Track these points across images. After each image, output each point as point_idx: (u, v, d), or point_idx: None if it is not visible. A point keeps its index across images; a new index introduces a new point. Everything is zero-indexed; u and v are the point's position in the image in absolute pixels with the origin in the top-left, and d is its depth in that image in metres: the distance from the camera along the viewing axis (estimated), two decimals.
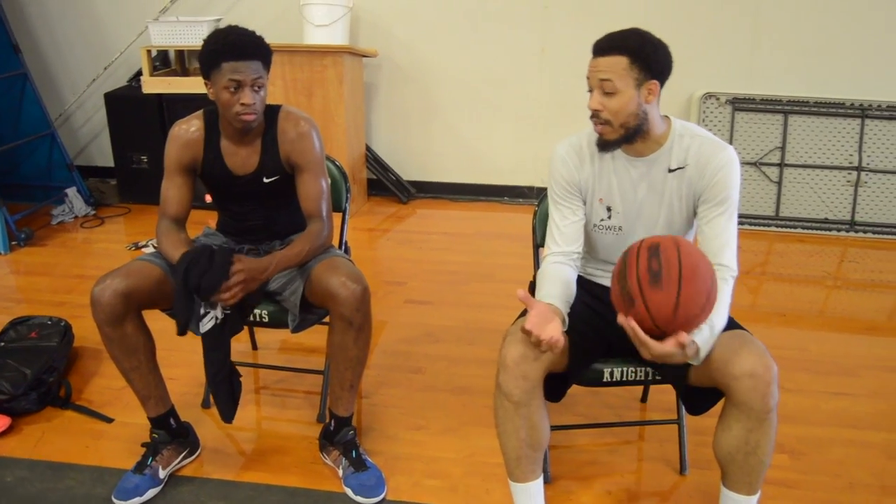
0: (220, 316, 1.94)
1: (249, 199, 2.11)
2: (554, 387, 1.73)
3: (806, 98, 3.99)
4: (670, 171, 1.74)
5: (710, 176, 1.69)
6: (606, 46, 1.67)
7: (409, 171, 4.58)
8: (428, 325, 2.97)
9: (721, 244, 1.69)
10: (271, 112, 2.05)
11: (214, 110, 2.03)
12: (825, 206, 4.05)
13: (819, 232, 4.04)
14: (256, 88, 1.91)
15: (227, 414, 2.04)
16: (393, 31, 4.30)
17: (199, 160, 2.04)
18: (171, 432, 2.06)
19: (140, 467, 2.00)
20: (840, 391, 2.55)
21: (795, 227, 4.06)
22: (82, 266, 3.57)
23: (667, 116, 1.76)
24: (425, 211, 4.42)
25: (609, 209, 1.81)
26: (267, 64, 1.94)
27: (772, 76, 4.06)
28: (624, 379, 1.85)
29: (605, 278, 1.90)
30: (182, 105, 4.04)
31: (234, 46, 1.86)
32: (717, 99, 4.06)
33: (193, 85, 4.07)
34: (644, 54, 1.64)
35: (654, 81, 1.66)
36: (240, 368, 2.56)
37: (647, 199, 1.78)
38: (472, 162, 4.53)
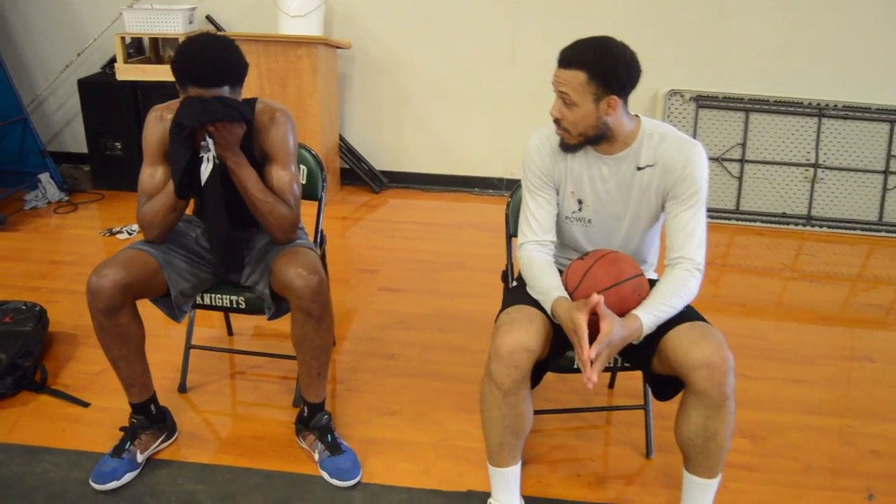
0: (214, 156, 1.93)
1: (224, 187, 2.12)
2: (533, 373, 1.80)
3: (766, 97, 4.12)
4: (639, 168, 1.81)
5: (679, 172, 1.77)
6: (567, 59, 1.71)
7: (381, 161, 4.62)
8: (401, 312, 3.02)
9: (686, 236, 1.77)
10: (248, 105, 2.06)
11: None
12: (783, 200, 4.18)
13: (777, 226, 4.17)
14: None
15: (229, 265, 2.09)
16: (366, 24, 4.33)
17: None
18: (151, 417, 2.09)
19: (118, 451, 2.03)
20: (797, 378, 2.66)
21: (755, 221, 4.19)
22: (56, 252, 3.55)
23: (637, 116, 1.83)
24: (397, 201, 4.47)
25: (580, 202, 1.89)
26: (239, 80, 1.90)
27: (734, 75, 4.18)
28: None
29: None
30: (157, 92, 4.04)
31: (199, 75, 1.79)
32: (682, 96, 4.16)
33: (168, 73, 4.00)
34: (603, 70, 1.67)
35: (614, 97, 1.70)
36: (216, 354, 2.65)
37: (615, 194, 1.86)
38: (444, 153, 4.59)
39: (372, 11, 4.31)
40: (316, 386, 2.07)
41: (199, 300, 2.15)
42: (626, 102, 1.75)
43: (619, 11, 4.13)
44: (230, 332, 2.80)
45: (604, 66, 1.67)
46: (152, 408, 2.09)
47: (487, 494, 1.98)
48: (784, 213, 4.18)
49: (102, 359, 2.37)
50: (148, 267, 1.96)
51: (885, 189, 4.11)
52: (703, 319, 1.76)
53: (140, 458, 2.05)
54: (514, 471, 1.84)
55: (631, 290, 1.73)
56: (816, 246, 3.99)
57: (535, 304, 1.83)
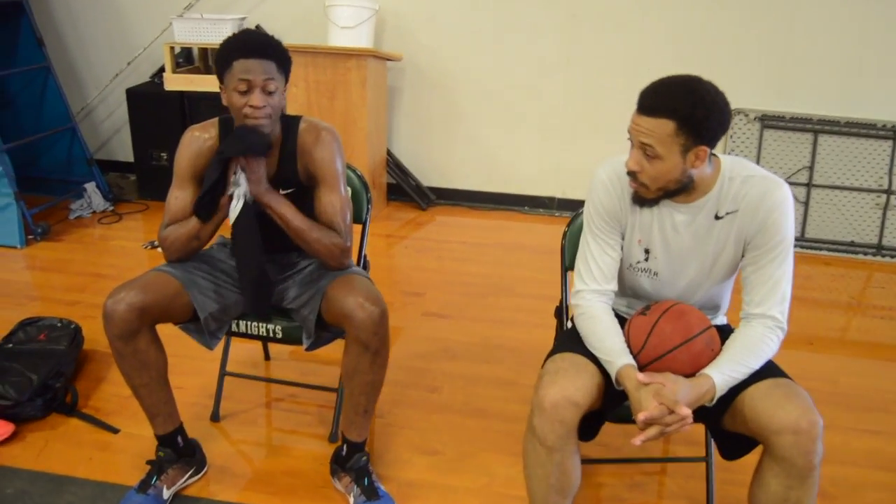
0: (245, 193, 1.87)
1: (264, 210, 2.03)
2: (587, 425, 1.64)
3: (837, 118, 3.87)
4: (717, 217, 1.63)
5: (763, 218, 1.58)
6: (652, 106, 1.49)
7: (429, 177, 4.50)
8: (446, 339, 2.89)
9: (768, 291, 1.60)
10: (292, 123, 1.96)
11: (230, 119, 1.95)
12: (852, 228, 3.93)
13: (845, 255, 3.92)
14: (268, 92, 1.80)
15: (257, 308, 1.99)
16: (418, 36, 4.22)
17: None
18: (178, 451, 1.99)
19: (143, 486, 1.93)
20: (872, 428, 2.44)
21: (821, 249, 3.95)
22: (97, 264, 3.52)
23: (715, 156, 1.63)
24: (444, 218, 4.34)
25: (647, 251, 1.70)
26: (283, 67, 1.84)
27: (802, 94, 3.94)
28: None
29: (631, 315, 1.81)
30: (204, 103, 3.99)
31: (245, 44, 1.78)
32: (746, 115, 3.95)
33: (216, 83, 3.96)
34: (695, 121, 1.47)
35: (704, 147, 1.51)
36: (251, 382, 2.54)
37: (689, 247, 1.67)
38: (493, 170, 4.45)
39: (424, 24, 4.20)
40: (360, 424, 1.94)
41: (233, 327, 2.05)
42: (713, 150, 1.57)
43: (680, 25, 3.94)
44: (267, 357, 2.70)
45: (697, 115, 1.47)
46: (179, 440, 1.99)
47: None
48: (853, 242, 3.92)
49: None
50: (168, 289, 1.86)
51: None
52: (784, 375, 1.58)
53: (166, 493, 1.95)
54: None
55: (703, 345, 1.57)
56: (887, 277, 3.73)
57: (586, 351, 1.67)
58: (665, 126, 1.48)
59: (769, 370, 1.58)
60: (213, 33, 3.96)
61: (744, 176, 1.60)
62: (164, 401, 1.93)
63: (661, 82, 1.51)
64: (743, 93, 3.96)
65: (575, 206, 4.35)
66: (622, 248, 1.73)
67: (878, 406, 2.58)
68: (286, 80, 1.88)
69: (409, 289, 3.35)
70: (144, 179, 4.30)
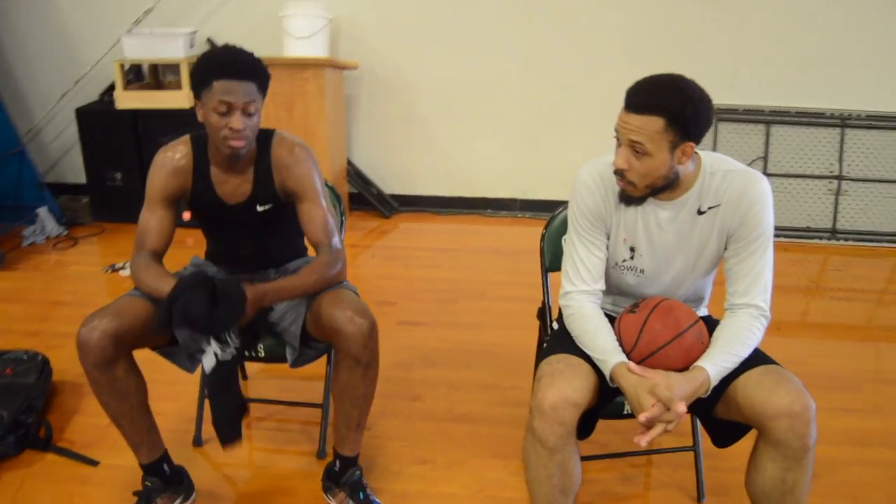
0: (218, 352, 1.78)
1: (242, 227, 1.99)
2: (582, 423, 1.65)
3: (788, 108, 4.00)
4: (700, 212, 1.66)
5: (745, 211, 1.61)
6: (641, 104, 1.51)
7: (390, 184, 4.49)
8: (422, 347, 2.88)
9: (751, 282, 1.63)
10: (264, 137, 1.93)
11: (202, 135, 1.91)
12: (807, 214, 4.06)
13: (802, 240, 4.04)
14: (248, 113, 1.77)
15: (229, 437, 1.89)
16: (373, 43, 4.20)
17: (187, 189, 1.91)
18: (165, 479, 1.93)
19: None
20: (846, 407, 2.52)
21: (778, 236, 4.06)
22: (57, 291, 3.41)
23: (696, 153, 1.66)
24: (408, 225, 4.33)
25: (633, 250, 1.73)
26: (263, 88, 1.81)
27: (754, 87, 4.05)
28: None
29: (619, 312, 1.82)
30: (158, 120, 3.90)
31: (227, 64, 1.74)
32: None
33: (169, 99, 3.93)
34: (684, 118, 1.50)
35: (690, 144, 1.54)
36: None
37: (673, 243, 1.70)
38: (454, 174, 4.45)
39: (379, 30, 4.18)
40: (353, 439, 1.92)
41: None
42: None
43: (633, 24, 4.01)
44: (244, 377, 2.65)
45: (685, 112, 1.49)
46: (166, 467, 1.94)
47: None
48: (808, 227, 4.05)
49: None
50: (143, 313, 1.80)
51: None
52: (772, 361, 1.62)
53: None
54: None
55: (694, 339, 1.60)
56: (843, 260, 3.86)
57: (579, 351, 1.68)
58: (654, 123, 1.50)
59: (758, 358, 1.62)
60: (165, 48, 3.87)
61: (724, 171, 1.63)
62: (147, 429, 1.87)
63: (648, 80, 1.53)
64: None
65: (537, 207, 4.40)
66: (607, 248, 1.74)
67: (847, 385, 2.66)
68: (264, 98, 1.85)
69: (380, 298, 3.32)
70: (98, 201, 4.18)
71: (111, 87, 4.09)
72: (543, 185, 4.40)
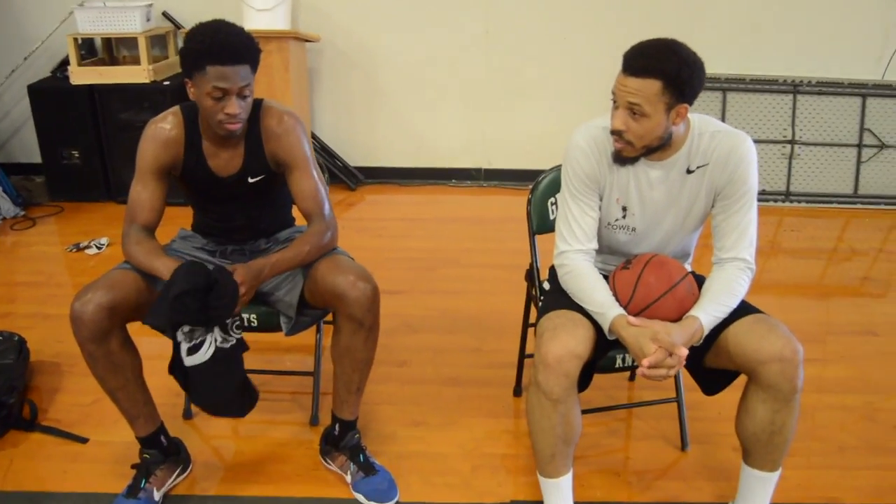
0: (217, 339, 1.75)
1: (233, 199, 1.98)
2: (581, 376, 1.71)
3: (742, 76, 4.12)
4: (689, 171, 1.72)
5: (732, 170, 1.68)
6: (640, 67, 1.55)
7: (355, 157, 4.47)
8: (403, 315, 2.90)
9: (737, 236, 1.71)
10: (252, 108, 1.91)
11: (192, 106, 1.88)
12: (763, 178, 4.20)
13: (758, 203, 4.17)
14: (243, 96, 1.75)
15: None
16: (334, 15, 4.16)
17: (179, 162, 1.88)
18: (164, 450, 1.93)
19: (133, 491, 1.87)
20: (811, 358, 2.60)
21: None
22: (20, 272, 3.31)
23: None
24: (375, 197, 4.33)
25: (625, 209, 1.78)
26: (255, 67, 1.77)
27: (710, 55, 4.10)
28: (635, 364, 1.85)
29: (610, 270, 1.88)
30: (117, 96, 3.80)
31: (222, 49, 1.68)
32: None
33: (127, 75, 3.82)
34: (680, 80, 1.54)
35: (685, 105, 1.60)
36: None
37: (664, 201, 1.76)
38: (419, 145, 4.46)
39: (339, 2, 4.14)
40: (352, 402, 1.95)
41: None
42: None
43: None
44: (245, 348, 2.62)
45: (682, 74, 1.54)
46: (163, 439, 1.93)
47: (533, 503, 1.90)
48: (764, 191, 4.19)
49: (94, 388, 2.19)
50: (135, 286, 1.79)
51: (859, 162, 4.16)
52: (759, 311, 1.70)
53: (157, 495, 1.89)
54: (567, 480, 1.76)
55: (686, 291, 1.67)
56: (797, 221, 4.02)
57: (577, 306, 1.74)
58: (652, 86, 1.55)
59: (745, 308, 1.70)
60: (121, 22, 3.76)
61: (711, 131, 1.70)
62: (144, 401, 1.86)
63: (645, 44, 1.58)
64: None
65: (500, 177, 4.46)
66: (600, 209, 1.80)
67: (810, 338, 2.80)
68: (256, 72, 1.81)
69: None
70: (55, 180, 4.05)
71: (64, 63, 3.96)
72: (507, 154, 4.44)
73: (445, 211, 4.13)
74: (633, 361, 1.83)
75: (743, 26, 4.10)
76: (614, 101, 1.63)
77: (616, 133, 1.64)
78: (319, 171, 1.98)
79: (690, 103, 1.61)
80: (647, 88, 1.55)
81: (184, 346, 1.70)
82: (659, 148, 1.67)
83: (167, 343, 1.93)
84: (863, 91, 4.09)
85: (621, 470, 2.08)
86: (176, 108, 1.89)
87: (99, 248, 3.44)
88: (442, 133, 4.43)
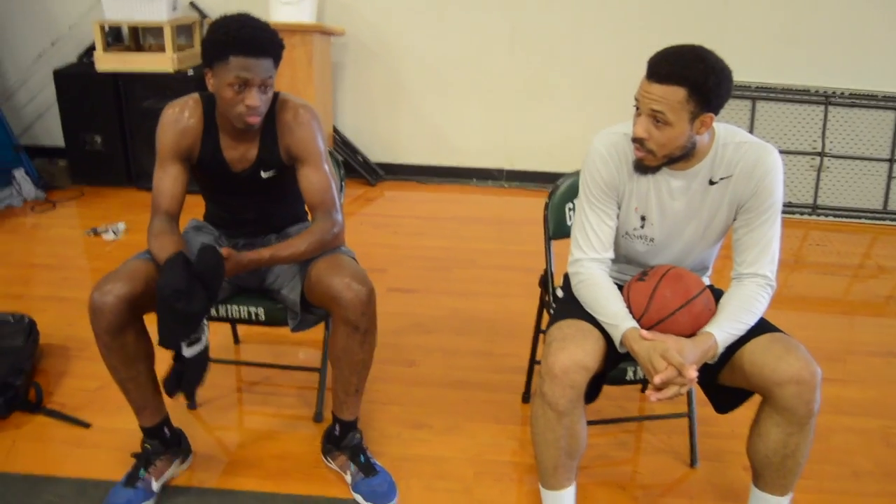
0: (204, 337, 1.73)
1: (245, 193, 1.96)
2: (589, 387, 1.66)
3: (773, 85, 4.03)
4: (712, 182, 1.66)
5: (756, 183, 1.62)
6: (665, 73, 1.50)
7: (375, 152, 4.45)
8: (416, 314, 2.87)
9: (759, 251, 1.66)
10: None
11: (211, 97, 1.85)
12: (790, 190, 4.11)
13: (784, 215, 4.07)
14: (264, 89, 1.73)
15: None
16: (360, 9, 4.14)
17: (195, 151, 1.86)
18: (165, 442, 1.91)
19: (131, 480, 1.85)
20: (830, 377, 2.54)
21: None
22: (37, 254, 3.33)
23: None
24: (394, 193, 4.31)
25: (643, 218, 1.73)
26: (278, 62, 1.76)
27: (740, 63, 4.02)
28: (646, 378, 1.81)
29: (626, 280, 1.84)
30: (141, 84, 3.82)
31: (246, 41, 1.67)
32: None
33: (151, 62, 3.83)
34: (706, 88, 1.48)
35: (710, 115, 1.54)
36: (223, 365, 2.47)
37: (684, 212, 1.71)
38: (440, 143, 4.43)
39: None
40: (352, 403, 1.92)
41: (214, 312, 1.98)
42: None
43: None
44: (237, 341, 2.62)
45: (708, 82, 1.48)
46: (166, 431, 1.92)
47: None
48: (790, 203, 4.11)
49: (100, 374, 2.18)
50: (154, 277, 1.77)
51: (889, 177, 4.06)
52: (778, 329, 1.64)
53: (155, 486, 1.87)
54: (570, 493, 1.72)
55: (702, 306, 1.62)
56: (823, 235, 3.93)
57: (588, 316, 1.69)
58: (677, 93, 1.49)
59: (763, 326, 1.64)
60: (147, 10, 3.77)
61: (736, 142, 1.64)
62: (153, 392, 1.85)
63: (670, 51, 1.53)
64: None
65: (522, 178, 4.41)
66: (618, 217, 1.75)
67: (830, 356, 2.72)
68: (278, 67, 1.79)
69: (370, 265, 3.25)
70: (77, 165, 4.08)
71: (90, 49, 3.98)
72: (529, 155, 4.40)
73: (464, 210, 4.09)
74: (644, 375, 1.78)
75: (774, 34, 4.01)
76: (637, 108, 1.58)
77: (637, 141, 1.59)
78: (333, 167, 1.95)
79: (716, 113, 1.55)
80: (672, 96, 1.50)
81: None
82: (682, 157, 1.61)
83: None
84: None
85: (627, 483, 2.03)
86: (196, 96, 1.87)
87: (116, 234, 3.45)
88: (464, 132, 4.39)
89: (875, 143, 4.03)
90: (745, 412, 1.73)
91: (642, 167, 1.64)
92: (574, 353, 1.55)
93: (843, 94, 4.00)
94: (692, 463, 2.10)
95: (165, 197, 1.84)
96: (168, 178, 1.84)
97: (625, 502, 1.97)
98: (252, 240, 2.04)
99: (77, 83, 3.91)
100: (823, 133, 4.05)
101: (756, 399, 1.67)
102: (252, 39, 1.68)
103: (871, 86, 4.00)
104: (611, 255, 1.75)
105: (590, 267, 1.71)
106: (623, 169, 1.70)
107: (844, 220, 4.09)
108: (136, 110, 3.88)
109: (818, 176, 4.08)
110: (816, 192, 4.09)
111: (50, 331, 2.57)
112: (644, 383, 2.41)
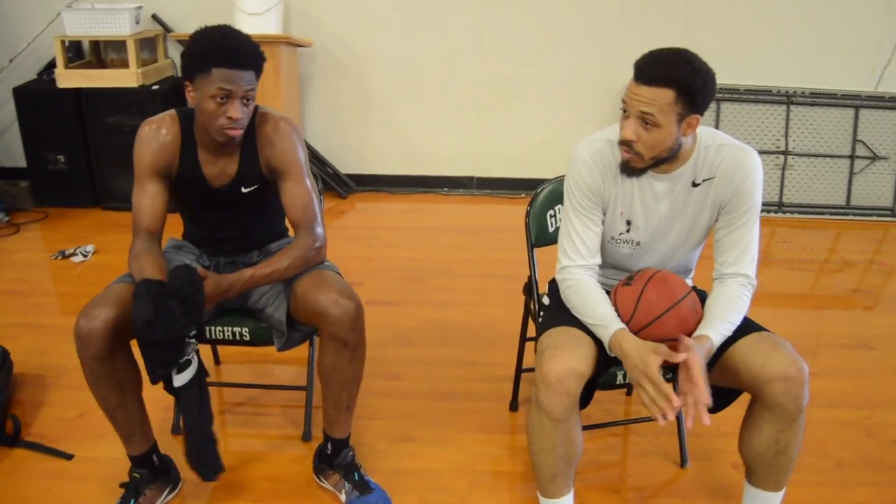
0: (194, 356, 1.71)
1: (225, 209, 1.93)
2: (582, 393, 1.67)
3: (737, 86, 4.11)
4: (695, 185, 1.70)
5: (738, 184, 1.66)
6: (654, 76, 1.53)
7: (345, 164, 4.42)
8: (396, 327, 2.86)
9: (741, 251, 1.69)
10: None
11: (189, 112, 1.83)
12: None
13: None
14: (246, 101, 1.71)
15: (213, 471, 1.83)
16: (327, 20, 4.12)
17: (173, 168, 1.83)
18: (154, 470, 1.87)
19: None
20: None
21: None
22: (3, 280, 3.24)
23: None
24: (366, 205, 4.29)
25: (629, 223, 1.75)
26: (259, 75, 1.75)
27: None
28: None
29: (611, 285, 1.85)
30: (105, 100, 3.74)
31: (229, 52, 1.65)
32: None
33: (115, 78, 3.76)
34: (693, 90, 1.52)
35: (696, 116, 1.57)
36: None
37: (668, 214, 1.74)
38: (410, 153, 4.43)
39: (332, 7, 4.10)
40: (343, 420, 1.90)
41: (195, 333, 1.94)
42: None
43: (587, 3, 4.04)
44: (217, 362, 2.58)
45: (695, 84, 1.51)
46: (155, 458, 1.88)
47: None
48: None
49: (79, 402, 2.14)
50: None
51: (851, 173, 4.17)
52: (763, 328, 1.68)
53: None
54: (568, 500, 1.73)
55: (689, 309, 1.64)
56: (790, 232, 4.02)
57: (578, 322, 1.70)
58: (665, 95, 1.52)
59: (749, 325, 1.67)
60: (109, 24, 3.70)
61: (718, 144, 1.67)
62: (141, 420, 1.81)
63: (657, 53, 1.56)
64: None
65: (493, 185, 4.43)
66: (603, 223, 1.76)
67: (805, 350, 2.67)
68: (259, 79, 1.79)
69: (348, 279, 3.27)
70: (40, 186, 3.98)
71: (50, 65, 3.89)
72: (499, 163, 4.42)
73: (437, 220, 4.09)
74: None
75: (737, 36, 4.10)
76: (624, 111, 1.60)
77: (626, 143, 1.61)
78: (314, 181, 1.93)
79: (701, 114, 1.58)
80: (661, 98, 1.52)
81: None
82: (667, 160, 1.64)
83: None
84: (856, 102, 4.10)
85: (620, 487, 2.05)
86: (172, 112, 1.84)
87: (85, 256, 3.38)
88: (434, 141, 4.39)
89: (836, 141, 4.14)
90: (729, 411, 1.75)
91: (629, 169, 1.66)
92: (567, 360, 1.56)
93: (804, 93, 4.10)
94: (682, 463, 2.13)
95: (145, 215, 1.80)
96: (147, 196, 1.80)
97: None
98: (234, 258, 2.01)
99: (38, 101, 3.82)
100: (786, 132, 4.14)
101: (743, 398, 1.70)
102: (235, 51, 1.67)
103: (830, 84, 4.11)
104: (598, 260, 1.77)
105: (578, 273, 1.73)
106: (607, 175, 1.72)
107: (810, 216, 4.18)
108: (100, 127, 3.80)
109: (783, 174, 4.17)
110: (782, 190, 4.18)
111: (23, 359, 2.49)
112: (618, 388, 2.43)
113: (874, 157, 4.15)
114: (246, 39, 1.71)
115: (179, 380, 1.65)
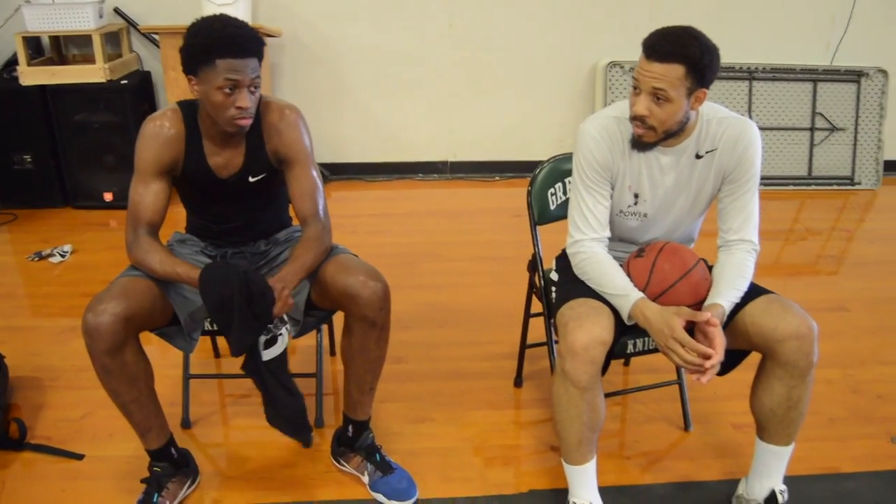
0: (285, 332, 1.77)
1: (232, 200, 1.92)
2: None
3: None
4: (698, 156, 1.76)
5: (739, 154, 1.73)
6: (665, 52, 1.58)
7: (319, 153, 4.36)
8: (394, 311, 2.79)
9: (744, 219, 1.77)
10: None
11: (192, 105, 1.81)
12: None
13: None
14: (253, 89, 1.70)
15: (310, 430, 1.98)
16: (296, 9, 4.08)
17: (179, 162, 1.81)
18: (175, 463, 1.87)
19: None
20: None
21: None
22: None
23: None
24: (343, 193, 4.28)
25: (636, 196, 1.81)
26: (261, 60, 1.73)
27: None
28: (647, 349, 1.88)
29: (622, 259, 1.90)
30: (71, 97, 3.64)
31: (232, 42, 1.63)
32: (621, 67, 4.19)
33: (81, 74, 3.66)
34: (702, 65, 1.58)
35: (704, 90, 1.63)
36: (208, 382, 2.42)
37: (674, 186, 1.80)
38: (385, 140, 4.43)
39: None
40: (366, 402, 1.92)
41: (207, 325, 1.94)
42: None
43: None
44: (217, 355, 2.57)
45: (703, 59, 1.57)
46: (173, 451, 1.87)
47: (551, 492, 1.93)
48: None
49: (82, 401, 2.12)
50: (149, 293, 1.73)
51: (812, 145, 4.32)
52: (769, 291, 1.75)
53: None
54: (592, 465, 1.78)
55: (700, 276, 1.71)
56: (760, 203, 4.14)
57: (593, 293, 1.75)
58: (676, 70, 1.58)
59: (756, 289, 1.75)
60: (72, 19, 3.60)
61: (719, 118, 1.74)
62: (156, 413, 1.80)
63: (666, 31, 1.61)
64: (617, 46, 4.20)
65: (467, 169, 4.46)
66: (611, 197, 1.82)
67: None
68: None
69: None
70: (7, 187, 3.85)
71: (10, 63, 3.77)
72: (472, 147, 4.45)
73: (416, 205, 4.11)
74: (648, 345, 1.86)
75: (701, 16, 4.19)
76: (635, 87, 1.65)
77: (639, 118, 1.66)
78: (318, 169, 1.94)
79: (708, 88, 1.64)
80: (672, 73, 1.58)
81: (261, 340, 1.69)
82: (675, 133, 1.70)
83: (170, 351, 1.88)
84: (813, 76, 4.25)
85: (630, 453, 2.12)
86: (174, 106, 1.82)
87: (63, 256, 3.30)
88: (408, 127, 4.40)
89: (796, 114, 4.29)
90: (728, 376, 1.82)
91: (641, 144, 1.72)
92: (592, 329, 1.61)
93: (765, 69, 4.23)
94: (686, 427, 2.20)
95: (148, 210, 1.78)
96: (149, 192, 1.78)
97: (631, 469, 2.05)
98: (241, 249, 2.01)
99: (1, 100, 3.70)
100: (749, 107, 4.27)
101: (747, 361, 1.78)
102: (237, 39, 1.66)
103: (789, 59, 4.25)
104: (608, 233, 1.82)
105: (591, 246, 1.79)
106: (615, 150, 1.77)
107: (774, 188, 4.33)
108: (67, 125, 3.70)
109: None
110: None
111: (16, 363, 2.44)
112: (628, 357, 2.51)
113: (833, 129, 4.31)
114: (245, 26, 1.70)
115: (268, 353, 1.71)
